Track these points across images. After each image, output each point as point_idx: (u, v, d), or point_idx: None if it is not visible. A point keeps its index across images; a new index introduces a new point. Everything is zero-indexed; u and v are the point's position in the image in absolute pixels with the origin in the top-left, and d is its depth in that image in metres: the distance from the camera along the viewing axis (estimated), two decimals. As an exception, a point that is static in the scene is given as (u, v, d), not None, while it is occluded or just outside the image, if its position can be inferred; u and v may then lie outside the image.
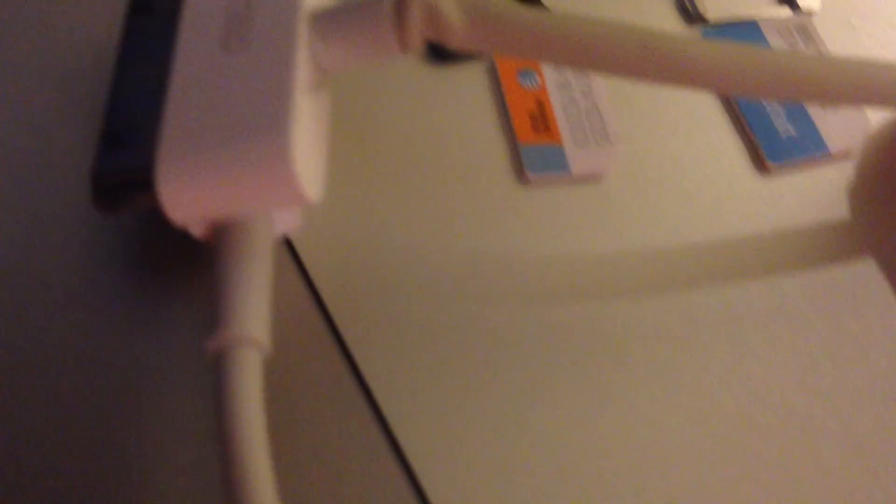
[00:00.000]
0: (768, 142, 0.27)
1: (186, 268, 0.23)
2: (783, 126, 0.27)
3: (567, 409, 0.22)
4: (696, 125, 0.27)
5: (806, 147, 0.27)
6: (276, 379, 0.22)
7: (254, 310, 0.20)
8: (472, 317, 0.23)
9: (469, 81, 0.27)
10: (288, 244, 0.24)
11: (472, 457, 0.22)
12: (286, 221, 0.22)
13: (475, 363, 0.23)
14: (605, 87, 0.27)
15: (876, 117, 0.28)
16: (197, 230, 0.21)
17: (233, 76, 0.20)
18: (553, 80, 0.27)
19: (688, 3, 0.29)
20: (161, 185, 0.20)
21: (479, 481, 0.21)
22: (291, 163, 0.19)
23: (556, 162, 0.26)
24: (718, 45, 0.21)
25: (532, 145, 0.26)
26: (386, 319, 0.23)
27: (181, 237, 0.22)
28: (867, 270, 0.25)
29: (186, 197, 0.20)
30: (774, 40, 0.29)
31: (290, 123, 0.19)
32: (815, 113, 0.28)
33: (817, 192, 0.27)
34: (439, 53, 0.27)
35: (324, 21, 0.21)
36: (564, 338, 0.24)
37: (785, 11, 0.30)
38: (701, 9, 0.29)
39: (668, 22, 0.29)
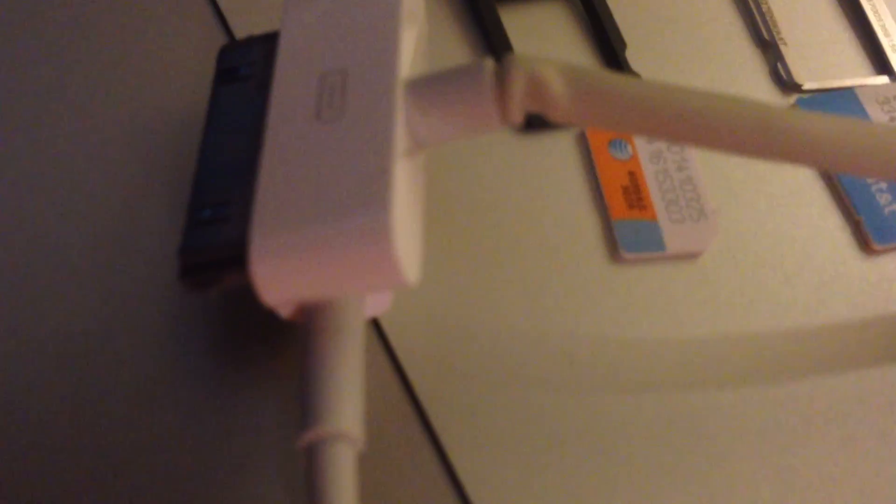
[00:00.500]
0: (873, 221, 0.25)
1: (272, 350, 0.22)
2: (889, 204, 0.26)
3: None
4: (796, 202, 0.26)
5: (913, 226, 0.26)
6: (365, 471, 0.20)
7: (347, 402, 0.19)
8: (565, 404, 0.22)
9: (558, 151, 0.26)
10: (375, 324, 0.22)
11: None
12: (378, 303, 0.21)
13: (570, 455, 0.21)
14: (700, 159, 0.26)
15: None
16: (285, 311, 0.20)
17: (328, 147, 0.19)
18: (645, 150, 0.26)
19: (782, 71, 0.28)
20: (254, 264, 0.18)
21: None
22: (392, 242, 0.18)
23: (651, 239, 0.24)
24: (845, 123, 0.19)
25: (626, 221, 0.24)
26: (477, 407, 0.22)
27: (266, 317, 0.21)
28: None
29: (281, 277, 0.18)
30: (873, 109, 0.27)
31: (390, 200, 0.18)
32: (922, 190, 0.26)
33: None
34: (527, 121, 0.26)
35: (421, 90, 0.20)
36: (660, 426, 0.22)
37: (882, 79, 0.28)
38: (796, 77, 0.28)
39: (762, 90, 0.28)
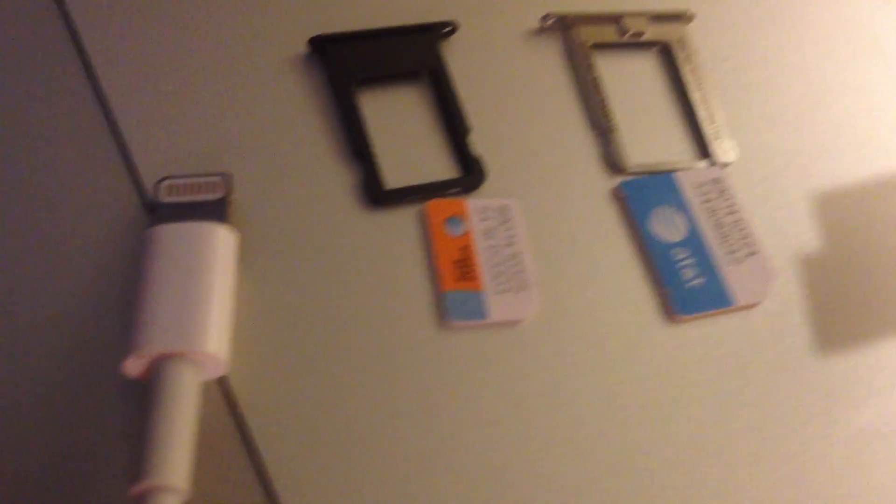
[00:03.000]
0: (678, 293, 0.29)
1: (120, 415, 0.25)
2: (692, 278, 0.29)
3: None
4: (612, 275, 0.29)
5: (713, 300, 0.29)
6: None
7: (175, 457, 0.22)
8: (394, 458, 0.25)
9: (402, 227, 0.29)
10: (220, 383, 0.25)
11: None
12: (215, 370, 0.24)
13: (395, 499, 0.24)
14: (528, 236, 0.29)
15: (785, 271, 0.30)
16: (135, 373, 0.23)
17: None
18: (479, 228, 0.29)
19: (610, 155, 0.31)
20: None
21: None
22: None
23: (475, 309, 0.27)
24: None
25: (454, 292, 0.28)
26: (311, 461, 0.25)
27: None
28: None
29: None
30: (688, 192, 0.31)
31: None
32: (723, 266, 0.29)
33: (718, 341, 0.29)
34: (374, 197, 0.29)
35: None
36: (477, 484, 0.25)
37: (702, 164, 0.32)
38: (622, 161, 0.31)
39: (592, 172, 0.31)
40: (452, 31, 0.32)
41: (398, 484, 0.25)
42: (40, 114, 0.29)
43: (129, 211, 0.28)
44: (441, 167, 0.30)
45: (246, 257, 0.27)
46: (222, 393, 0.25)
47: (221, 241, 0.26)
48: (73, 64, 0.30)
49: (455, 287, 0.28)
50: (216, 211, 0.26)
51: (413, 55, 0.32)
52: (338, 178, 0.29)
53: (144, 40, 0.30)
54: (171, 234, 0.25)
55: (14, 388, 0.24)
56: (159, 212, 0.26)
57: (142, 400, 0.23)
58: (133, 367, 0.23)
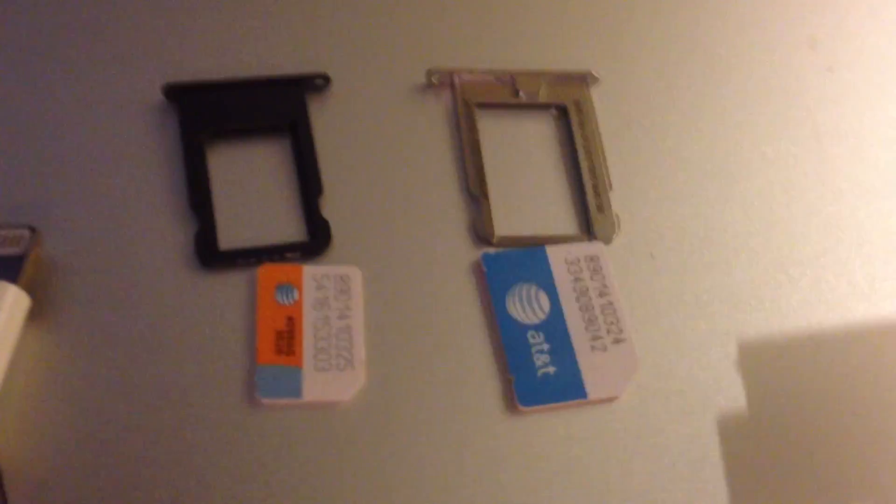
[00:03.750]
0: (523, 381, 0.26)
1: None
2: (544, 365, 0.27)
3: None
4: (456, 357, 0.27)
5: (563, 391, 0.26)
6: None
7: None
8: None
9: (231, 290, 0.27)
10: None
11: None
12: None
13: None
14: (369, 309, 0.27)
15: (645, 364, 0.27)
16: None
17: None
18: (312, 297, 0.27)
19: (481, 222, 0.29)
20: None
21: None
22: None
23: (289, 386, 0.25)
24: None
25: (269, 366, 0.26)
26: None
27: None
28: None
29: None
30: (559, 269, 0.28)
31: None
32: (583, 353, 0.27)
33: (564, 437, 0.26)
34: (205, 258, 0.27)
35: None
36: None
37: (581, 239, 0.29)
38: (488, 230, 0.29)
39: (457, 240, 0.29)
40: (325, 84, 0.30)
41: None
42: None
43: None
44: (287, 229, 0.28)
45: (46, 316, 0.25)
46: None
47: (6, 304, 0.24)
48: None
49: (271, 361, 0.26)
50: (9, 268, 0.25)
51: (275, 108, 0.30)
52: (172, 236, 0.28)
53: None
54: (-46, 291, 0.24)
55: None
56: (-47, 264, 0.25)
57: None
58: None
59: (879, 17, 0.35)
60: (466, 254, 0.29)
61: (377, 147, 0.30)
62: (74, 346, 0.26)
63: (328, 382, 0.26)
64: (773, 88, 0.34)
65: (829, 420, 0.27)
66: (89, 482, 0.24)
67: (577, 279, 0.28)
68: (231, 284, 0.27)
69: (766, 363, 0.28)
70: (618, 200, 0.30)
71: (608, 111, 0.32)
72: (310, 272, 0.27)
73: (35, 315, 0.25)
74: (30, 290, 0.25)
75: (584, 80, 0.32)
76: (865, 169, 0.32)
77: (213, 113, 0.29)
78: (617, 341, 0.27)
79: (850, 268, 0.30)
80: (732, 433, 0.27)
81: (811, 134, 0.33)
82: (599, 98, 0.32)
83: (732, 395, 0.27)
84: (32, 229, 0.26)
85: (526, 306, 0.28)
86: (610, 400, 0.27)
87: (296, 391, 0.25)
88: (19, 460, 0.24)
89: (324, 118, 0.30)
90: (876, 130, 0.32)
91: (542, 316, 0.28)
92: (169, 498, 0.24)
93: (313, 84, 0.31)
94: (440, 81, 0.32)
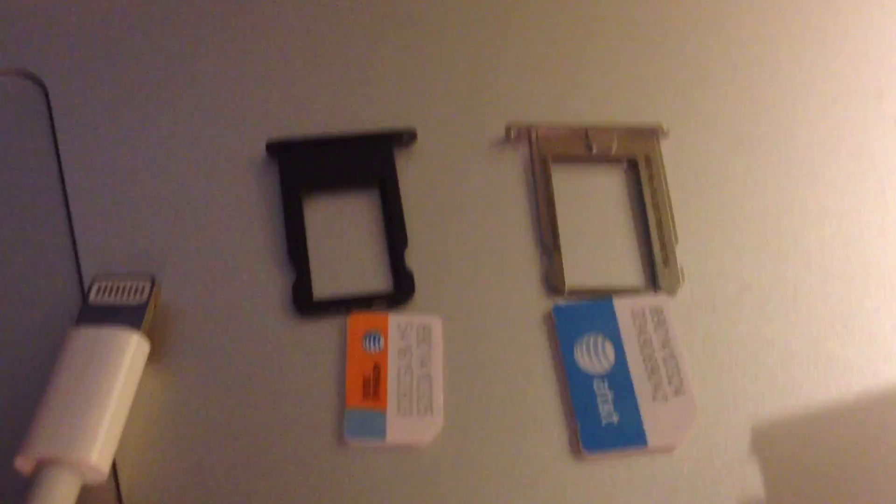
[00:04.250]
0: (588, 428, 0.29)
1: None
2: (608, 413, 0.29)
3: None
4: (525, 405, 0.29)
5: (625, 438, 0.29)
6: None
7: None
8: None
9: (324, 337, 0.30)
10: (115, 482, 0.27)
11: None
12: (95, 478, 0.26)
13: None
14: (446, 357, 0.29)
15: (704, 414, 0.29)
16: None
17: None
18: (396, 345, 0.30)
19: (552, 274, 0.31)
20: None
21: None
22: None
23: (374, 429, 0.28)
24: None
25: (357, 409, 0.28)
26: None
27: None
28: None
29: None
30: (625, 320, 0.31)
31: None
32: (645, 403, 0.29)
33: (627, 484, 0.28)
34: (301, 306, 0.30)
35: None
36: None
37: (647, 290, 0.31)
38: (559, 282, 0.31)
39: (529, 290, 0.31)
40: (412, 139, 0.33)
41: None
42: (8, 205, 0.31)
43: (70, 305, 0.30)
44: (375, 279, 0.31)
45: (164, 359, 0.29)
46: (116, 496, 0.27)
47: (130, 350, 0.27)
48: (48, 159, 0.32)
49: (359, 405, 0.29)
50: (134, 317, 0.28)
51: (366, 163, 0.33)
52: (272, 284, 0.31)
53: (111, 143, 0.33)
54: (84, 338, 0.27)
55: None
56: (83, 313, 0.28)
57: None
58: (22, 464, 0.25)
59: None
60: (539, 304, 0.31)
61: (458, 199, 0.33)
62: (186, 385, 0.29)
63: (409, 426, 0.28)
64: (839, 140, 0.35)
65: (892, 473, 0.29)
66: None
67: (641, 330, 0.31)
68: (324, 331, 0.30)
69: (819, 418, 0.30)
70: (683, 253, 0.32)
71: (677, 165, 0.34)
72: (395, 321, 0.30)
73: (152, 358, 0.29)
74: (149, 335, 0.28)
75: (654, 133, 0.34)
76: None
77: (310, 168, 0.32)
78: (677, 392, 0.30)
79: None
80: (783, 484, 0.28)
81: (875, 187, 0.34)
82: (669, 152, 0.34)
83: (787, 448, 0.29)
84: (153, 279, 0.29)
85: (593, 356, 0.30)
86: (669, 449, 0.29)
87: (380, 434, 0.28)
88: (138, 489, 0.27)
89: (410, 172, 0.33)
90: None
91: (607, 366, 0.30)
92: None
93: (401, 139, 0.33)
94: (518, 136, 0.34)
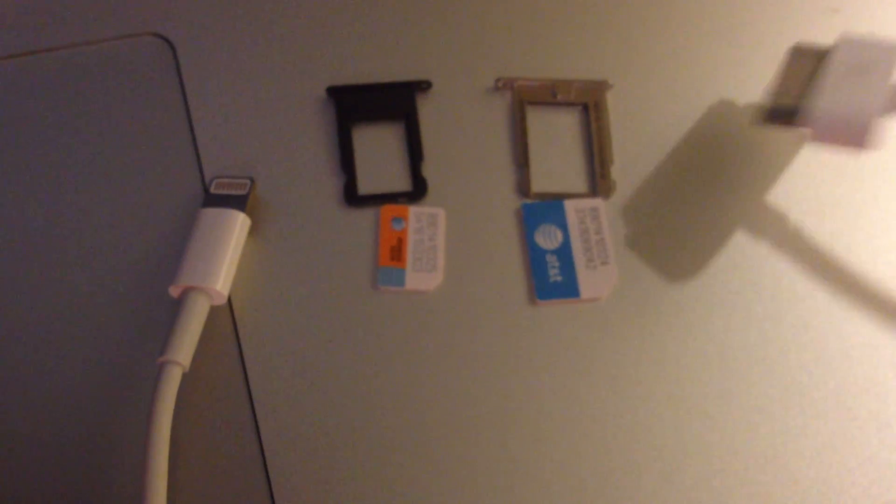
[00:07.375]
0: (541, 284, 0.43)
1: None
2: (555, 275, 0.44)
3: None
4: (501, 269, 0.44)
5: (566, 291, 0.43)
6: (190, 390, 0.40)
7: (185, 344, 0.39)
8: (360, 393, 0.41)
9: (365, 220, 0.45)
10: (230, 305, 0.42)
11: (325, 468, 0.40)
12: (219, 299, 0.41)
13: (363, 454, 0.41)
14: (446, 236, 0.44)
15: (622, 270, 0.44)
16: (175, 294, 0.40)
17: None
18: (413, 226, 0.44)
19: (523, 182, 0.46)
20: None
21: (321, 479, 0.39)
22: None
23: (397, 280, 0.43)
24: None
25: (386, 267, 0.43)
26: (291, 385, 0.41)
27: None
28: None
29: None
30: (571, 215, 0.45)
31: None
32: (581, 269, 0.43)
33: (566, 321, 0.43)
34: (350, 200, 0.45)
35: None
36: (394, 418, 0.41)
37: (589, 195, 0.46)
38: (527, 188, 0.46)
39: (505, 194, 0.45)
40: (428, 87, 0.47)
41: (360, 420, 0.41)
42: (146, 124, 0.46)
43: (196, 195, 0.45)
44: (400, 181, 0.46)
45: (259, 231, 0.43)
46: (231, 317, 0.42)
47: (238, 224, 0.42)
48: (177, 101, 0.47)
49: (387, 264, 0.43)
50: (240, 202, 0.43)
51: (395, 103, 0.47)
52: (331, 185, 0.45)
53: (223, 86, 0.47)
54: (210, 215, 0.42)
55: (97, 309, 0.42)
56: (207, 199, 0.43)
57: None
58: (174, 291, 0.41)
59: None
60: (512, 202, 0.45)
61: (460, 129, 0.47)
62: (271, 249, 0.44)
63: (421, 278, 0.43)
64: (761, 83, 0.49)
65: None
66: (289, 333, 0.42)
67: (581, 222, 0.45)
68: (365, 217, 0.45)
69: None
70: (616, 171, 0.46)
71: (618, 109, 0.48)
72: (413, 211, 0.45)
73: (251, 231, 0.44)
74: (250, 215, 0.43)
75: (602, 86, 0.48)
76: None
77: (357, 105, 0.47)
78: (604, 263, 0.44)
79: None
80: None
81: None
82: (613, 99, 0.48)
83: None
84: (252, 179, 0.44)
85: (547, 238, 0.44)
86: (595, 299, 0.43)
87: (401, 283, 0.43)
88: (247, 317, 0.42)
89: (426, 109, 0.47)
90: None
91: (556, 245, 0.44)
92: (329, 351, 0.42)
93: (420, 86, 0.47)
94: (504, 86, 0.48)
